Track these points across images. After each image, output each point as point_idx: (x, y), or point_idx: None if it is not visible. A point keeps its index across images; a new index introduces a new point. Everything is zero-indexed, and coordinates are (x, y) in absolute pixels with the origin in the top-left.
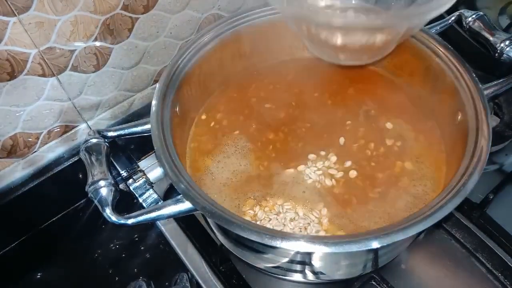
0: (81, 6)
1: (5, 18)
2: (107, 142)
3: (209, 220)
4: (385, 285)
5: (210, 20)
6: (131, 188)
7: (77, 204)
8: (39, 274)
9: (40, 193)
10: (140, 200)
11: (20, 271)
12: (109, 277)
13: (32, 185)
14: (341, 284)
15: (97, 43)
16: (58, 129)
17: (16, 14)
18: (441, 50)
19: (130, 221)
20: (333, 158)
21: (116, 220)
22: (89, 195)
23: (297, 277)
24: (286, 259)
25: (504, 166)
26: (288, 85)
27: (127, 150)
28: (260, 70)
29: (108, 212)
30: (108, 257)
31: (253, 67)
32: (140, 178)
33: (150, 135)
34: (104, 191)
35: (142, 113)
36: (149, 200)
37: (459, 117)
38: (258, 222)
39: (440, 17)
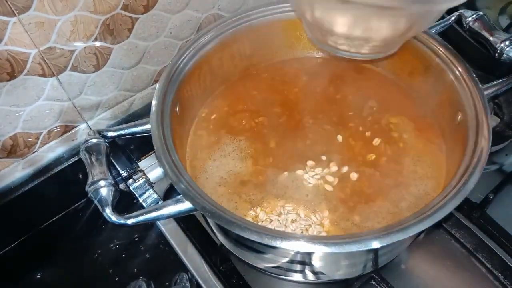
0: (81, 6)
1: (5, 18)
2: (107, 142)
3: (209, 220)
4: (385, 285)
5: (210, 20)
6: (131, 188)
7: (77, 204)
8: (39, 274)
9: (40, 193)
10: (140, 200)
11: (20, 271)
12: (109, 277)
13: (32, 185)
14: (341, 284)
15: (97, 43)
16: (58, 129)
17: (16, 14)
18: (441, 50)
19: (130, 221)
20: (334, 160)
21: (116, 220)
22: (89, 195)
23: (297, 277)
24: (286, 259)
25: (504, 166)
26: (288, 85)
27: (127, 150)
28: (260, 70)
29: (108, 212)
30: (108, 257)
31: (253, 67)
32: (140, 178)
33: (150, 135)
34: (104, 191)
35: (142, 113)
36: (149, 200)
37: (459, 117)
38: (259, 223)
39: (440, 17)
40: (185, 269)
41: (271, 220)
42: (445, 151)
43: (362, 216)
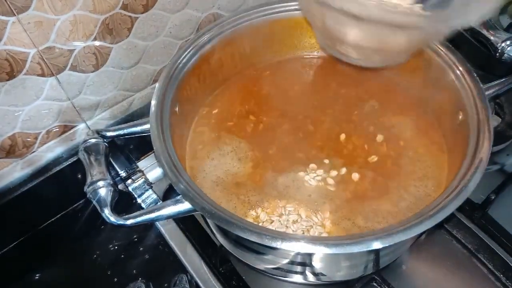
0: (80, 5)
1: (4, 18)
2: (106, 142)
3: (208, 221)
4: (386, 286)
5: (210, 20)
6: (130, 188)
7: (76, 205)
8: (37, 274)
9: (39, 193)
10: (139, 200)
11: (19, 271)
12: (108, 278)
13: (31, 185)
14: (342, 285)
15: (97, 43)
16: (57, 129)
17: (15, 14)
18: (442, 50)
19: (129, 222)
20: (335, 161)
21: (115, 220)
22: (88, 196)
23: (298, 278)
24: (287, 260)
25: (505, 166)
26: (289, 85)
27: (126, 150)
28: (260, 69)
29: (107, 213)
30: (107, 258)
31: (253, 67)
32: (139, 178)
33: (149, 135)
34: (103, 192)
35: (141, 113)
36: (148, 201)
37: (460, 117)
38: (260, 224)
39: None
40: (184, 270)
41: (272, 221)
42: (446, 151)
43: (364, 216)
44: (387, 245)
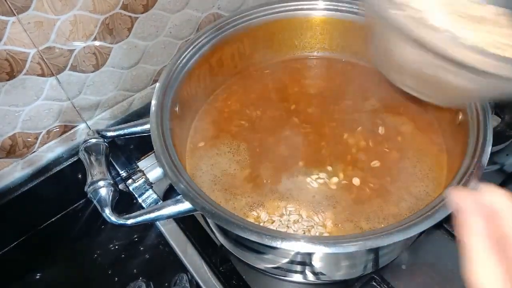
0: (80, 5)
1: (4, 18)
2: (106, 142)
3: (209, 220)
4: (385, 285)
5: (210, 20)
6: (130, 188)
7: (76, 205)
8: (38, 274)
9: (39, 193)
10: (140, 200)
11: (19, 271)
12: (109, 278)
13: (31, 185)
14: (342, 285)
15: (97, 43)
16: (57, 129)
17: (15, 14)
18: None
19: (129, 222)
20: (336, 161)
21: (116, 220)
22: (88, 195)
23: (297, 277)
24: (286, 260)
25: (505, 166)
26: (289, 85)
27: (126, 150)
28: (260, 69)
29: (107, 213)
30: (107, 258)
31: (253, 67)
32: (140, 178)
33: (150, 135)
34: (103, 191)
35: (141, 113)
36: (148, 201)
37: (460, 117)
38: (261, 224)
39: None
40: (184, 269)
41: (273, 221)
42: (446, 151)
43: (365, 217)
44: (386, 244)
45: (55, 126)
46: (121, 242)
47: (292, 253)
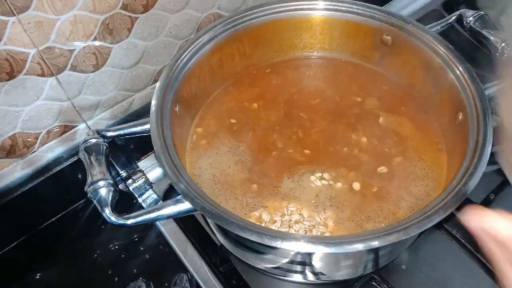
0: (80, 5)
1: (4, 18)
2: (106, 142)
3: (209, 220)
4: (385, 285)
5: (210, 20)
6: (130, 188)
7: (76, 205)
8: (38, 274)
9: (40, 193)
10: (140, 200)
11: (19, 271)
12: (109, 278)
13: (31, 185)
14: (342, 285)
15: (97, 43)
16: (57, 129)
17: (15, 14)
18: (441, 50)
19: (129, 222)
20: (337, 161)
21: (116, 220)
22: (88, 195)
23: (297, 277)
24: (286, 260)
25: None
26: (289, 85)
27: (126, 150)
28: (261, 69)
29: (107, 213)
30: (107, 258)
31: (253, 67)
32: (140, 178)
33: (150, 135)
34: (103, 191)
35: (141, 113)
36: (148, 201)
37: (460, 117)
38: (263, 224)
39: (441, 16)
40: (184, 269)
41: (275, 221)
42: (446, 151)
43: (366, 217)
44: (386, 244)
45: (55, 126)
46: (121, 242)
47: (292, 253)
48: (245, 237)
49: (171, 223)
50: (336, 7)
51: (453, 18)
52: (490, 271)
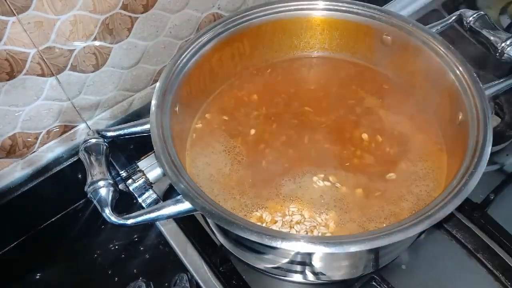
0: (80, 5)
1: (4, 18)
2: (106, 142)
3: (208, 220)
4: (385, 285)
5: (210, 20)
6: (130, 188)
7: (76, 205)
8: (38, 274)
9: (40, 193)
10: (140, 200)
11: (19, 271)
12: (109, 278)
13: (31, 185)
14: (342, 285)
15: (97, 43)
16: (57, 129)
17: (15, 14)
18: (441, 50)
19: (129, 222)
20: (337, 161)
21: (116, 220)
22: (88, 195)
23: (297, 277)
24: (286, 260)
25: (505, 166)
26: (289, 85)
27: (126, 150)
28: (260, 69)
29: (107, 213)
30: (107, 258)
31: (253, 67)
32: (140, 178)
33: (150, 135)
34: (103, 191)
35: (141, 113)
36: (148, 201)
37: (460, 117)
38: (264, 224)
39: (441, 16)
40: (184, 269)
41: (276, 221)
42: (446, 151)
43: (367, 217)
44: (386, 244)
45: (55, 126)
46: (121, 242)
47: (292, 253)
48: (245, 237)
49: (171, 223)
50: (336, 7)
51: (453, 18)
52: (491, 271)
